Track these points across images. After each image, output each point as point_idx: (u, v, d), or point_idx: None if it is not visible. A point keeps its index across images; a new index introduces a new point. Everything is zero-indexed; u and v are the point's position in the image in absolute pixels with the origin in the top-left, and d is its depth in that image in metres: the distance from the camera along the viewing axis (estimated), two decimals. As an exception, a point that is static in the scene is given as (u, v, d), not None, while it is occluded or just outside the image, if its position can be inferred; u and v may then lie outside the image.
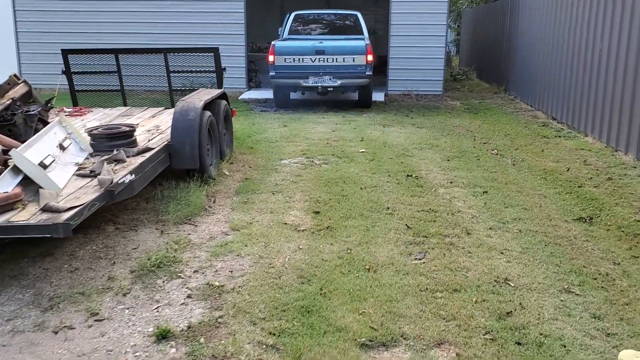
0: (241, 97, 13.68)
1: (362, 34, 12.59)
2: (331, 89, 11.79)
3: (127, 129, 5.82)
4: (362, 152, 8.11)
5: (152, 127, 6.89)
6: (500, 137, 9.40)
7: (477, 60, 18.89)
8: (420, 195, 6.15)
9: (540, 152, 8.30)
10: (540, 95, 11.94)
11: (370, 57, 11.55)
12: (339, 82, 11.61)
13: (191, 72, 8.59)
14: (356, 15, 13.15)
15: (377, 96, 13.64)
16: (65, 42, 13.51)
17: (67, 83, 8.52)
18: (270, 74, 11.71)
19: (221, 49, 14.12)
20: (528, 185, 6.65)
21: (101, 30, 14.18)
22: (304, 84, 11.70)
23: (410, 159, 7.76)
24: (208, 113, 6.47)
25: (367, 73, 11.63)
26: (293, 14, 13.16)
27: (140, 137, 6.33)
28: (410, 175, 6.89)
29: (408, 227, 5.20)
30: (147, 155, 5.49)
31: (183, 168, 6.09)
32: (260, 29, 17.81)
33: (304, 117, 11.13)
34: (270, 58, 11.57)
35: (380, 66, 15.35)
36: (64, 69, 8.46)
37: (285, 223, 5.27)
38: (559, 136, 9.47)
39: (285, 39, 12.62)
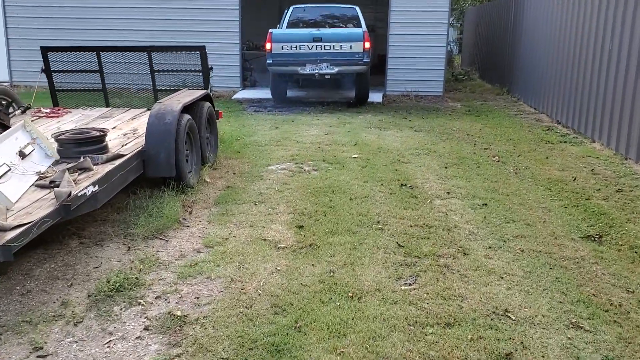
0: (234, 96, 13.22)
1: (360, 26, 12.49)
2: (328, 76, 11.65)
3: (98, 133, 5.35)
4: (355, 157, 7.64)
5: (130, 130, 6.43)
6: (502, 142, 8.91)
7: (479, 60, 18.39)
8: (414, 208, 5.67)
9: (544, 160, 7.81)
10: (544, 98, 11.45)
11: (367, 44, 11.46)
12: (336, 69, 11.54)
13: (176, 71, 8.12)
14: (354, 9, 13.09)
15: (375, 97, 13.18)
16: (56, 39, 13.11)
17: (47, 82, 8.09)
18: (267, 61, 11.63)
19: (215, 46, 13.88)
20: (531, 196, 6.17)
21: (93, 27, 13.73)
22: (300, 71, 11.61)
23: (405, 166, 7.28)
24: (187, 116, 6.00)
25: (364, 60, 11.55)
26: (292, 8, 13.11)
27: (115, 141, 5.88)
28: (405, 185, 6.41)
29: (399, 245, 4.73)
30: (117, 162, 5.03)
31: (158, 176, 5.62)
32: (257, 27, 17.35)
33: (297, 119, 10.66)
34: (268, 45, 11.51)
35: (379, 65, 15.00)
36: (43, 67, 8.01)
37: (265, 239, 4.80)
38: (565, 142, 8.98)
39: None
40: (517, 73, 13.67)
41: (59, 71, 8.09)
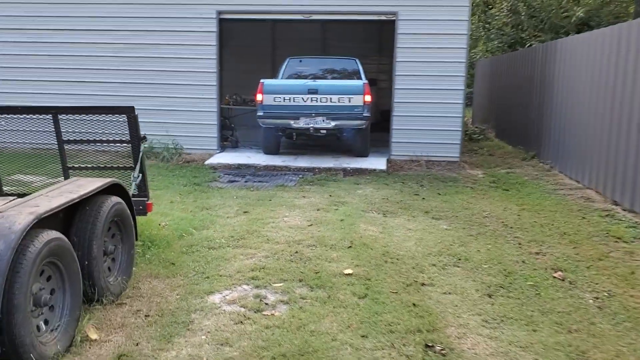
0: (208, 161, 10.58)
1: (360, 78, 11.06)
2: (324, 131, 10.36)
3: None
4: (349, 274, 4.90)
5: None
6: (555, 239, 6.19)
7: (495, 117, 15.82)
8: (454, 416, 2.91)
9: (629, 276, 5.07)
10: (591, 169, 8.77)
11: (368, 98, 10.19)
12: (333, 123, 10.23)
13: (94, 142, 5.48)
14: (354, 61, 11.68)
15: (377, 162, 10.57)
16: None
17: None
18: (258, 113, 10.37)
19: (187, 102, 11.22)
20: (650, 370, 3.42)
21: (36, 78, 11.21)
22: (294, 125, 10.30)
23: (427, 294, 4.53)
24: (50, 235, 3.30)
25: (364, 115, 10.24)
26: (288, 59, 11.70)
27: None
28: (431, 347, 3.65)
29: None
30: None
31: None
32: (247, 80, 14.87)
33: (277, 196, 7.97)
34: (259, 97, 10.31)
35: (382, 122, 12.74)
36: None
37: None
38: (640, 238, 6.26)
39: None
40: (548, 135, 11.04)
41: None
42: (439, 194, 8.38)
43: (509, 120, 14.18)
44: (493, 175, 10.14)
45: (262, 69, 14.76)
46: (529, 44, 16.44)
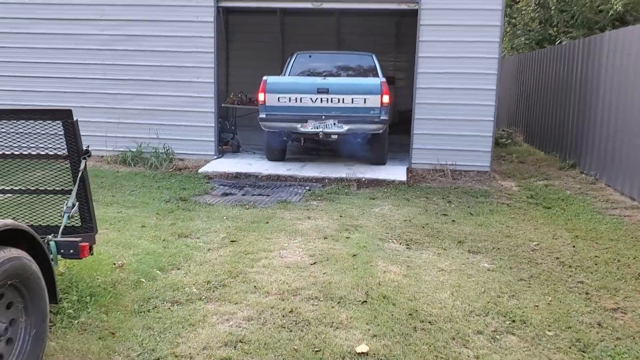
0: (202, 169, 9.10)
1: (376, 75, 9.65)
2: (335, 136, 8.96)
3: None
4: (364, 352, 3.37)
5: None
6: (631, 285, 4.63)
7: (523, 120, 14.16)
8: None
9: None
10: (652, 185, 7.17)
11: (386, 98, 8.74)
12: (345, 127, 8.82)
13: (21, 157, 4.02)
14: (371, 57, 10.06)
15: (397, 172, 9.05)
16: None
17: None
18: (260, 116, 8.91)
19: (183, 101, 9.66)
20: None
21: (10, 73, 9.83)
22: (301, 129, 8.88)
23: (477, 392, 3.00)
24: None
25: (382, 117, 8.78)
26: (296, 54, 10.17)
27: None
28: None
29: None
30: None
31: None
32: (254, 78, 13.34)
33: (277, 216, 6.46)
34: (261, 96, 8.87)
35: (400, 124, 11.30)
36: None
37: None
38: None
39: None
40: (591, 141, 9.41)
41: None
42: (472, 214, 6.83)
43: (541, 123, 12.53)
44: (529, 188, 8.56)
45: (271, 66, 13.22)
46: (558, 41, 14.74)
